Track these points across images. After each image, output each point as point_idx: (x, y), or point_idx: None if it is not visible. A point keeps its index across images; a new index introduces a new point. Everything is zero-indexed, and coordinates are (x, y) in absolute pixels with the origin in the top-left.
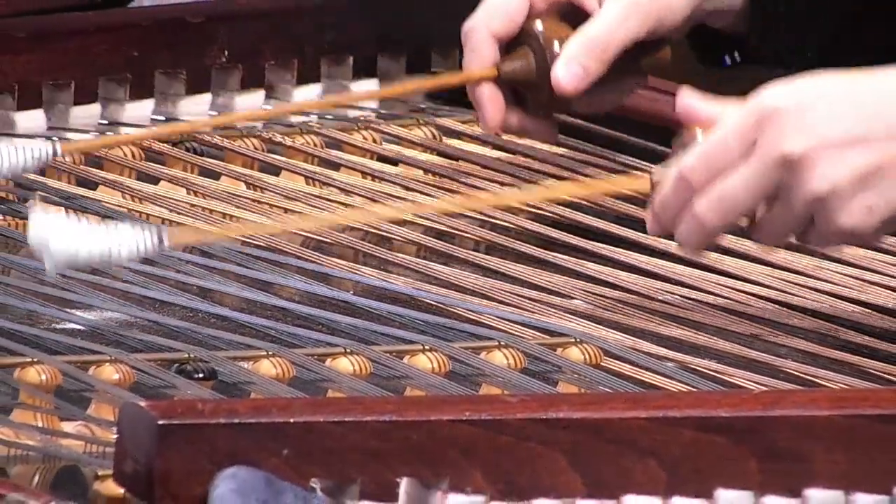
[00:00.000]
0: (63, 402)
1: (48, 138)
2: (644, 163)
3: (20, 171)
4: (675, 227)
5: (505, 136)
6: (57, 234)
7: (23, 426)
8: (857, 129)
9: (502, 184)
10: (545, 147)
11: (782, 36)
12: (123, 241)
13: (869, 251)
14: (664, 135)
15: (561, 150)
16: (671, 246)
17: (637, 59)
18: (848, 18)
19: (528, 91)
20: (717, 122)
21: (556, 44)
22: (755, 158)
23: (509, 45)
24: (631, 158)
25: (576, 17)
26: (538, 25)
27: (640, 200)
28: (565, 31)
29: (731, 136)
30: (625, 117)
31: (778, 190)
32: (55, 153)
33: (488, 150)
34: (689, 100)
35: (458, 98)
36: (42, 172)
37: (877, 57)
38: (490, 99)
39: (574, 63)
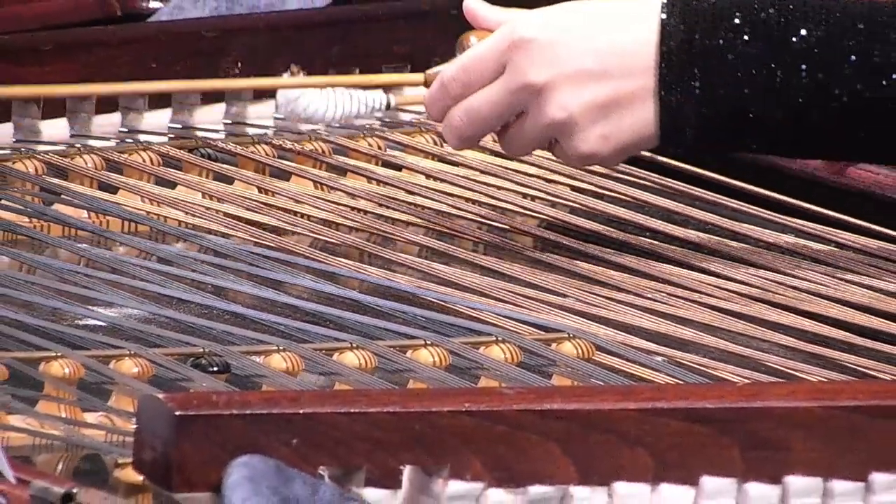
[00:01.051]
0: (85, 394)
1: (70, 145)
2: (635, 168)
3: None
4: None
5: (491, 144)
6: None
7: (47, 417)
8: (596, 66)
9: (499, 187)
10: (540, 153)
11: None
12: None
13: (846, 252)
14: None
15: (551, 155)
16: (659, 247)
17: None
18: None
19: None
20: (490, 26)
21: None
22: (502, 81)
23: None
24: (624, 166)
25: None
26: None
27: (632, 204)
28: None
29: (485, 56)
30: None
31: (522, 111)
32: (388, 106)
33: (486, 156)
34: (475, 4)
35: None
36: (65, 177)
37: None
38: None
39: None
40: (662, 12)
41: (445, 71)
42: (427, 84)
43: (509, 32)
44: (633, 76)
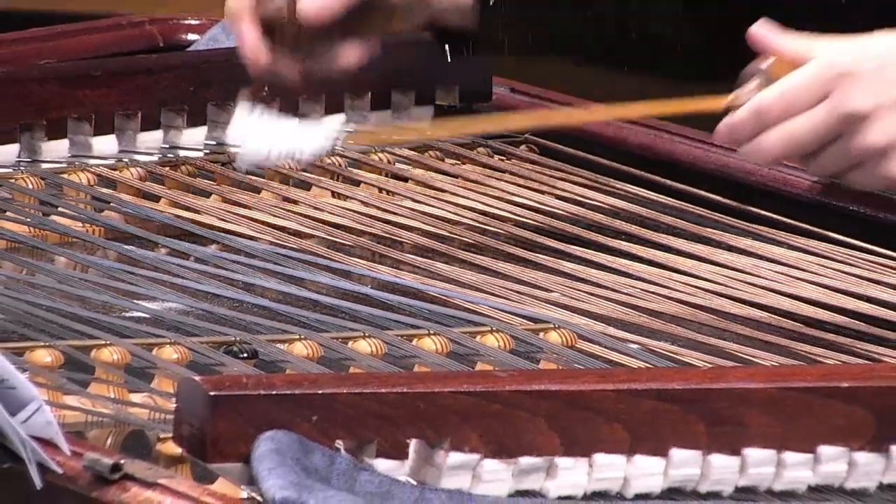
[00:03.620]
0: (131, 377)
1: (118, 159)
2: (612, 180)
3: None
4: (740, 145)
5: (486, 160)
6: (251, 133)
7: (98, 397)
8: None
9: (493, 197)
10: (527, 166)
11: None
12: (308, 139)
13: (796, 253)
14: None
15: (544, 170)
16: (634, 248)
17: (372, 24)
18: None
19: (280, 28)
20: (787, 55)
21: None
22: (825, 109)
23: None
24: (602, 178)
25: None
26: None
27: (609, 211)
28: None
29: (808, 84)
30: (595, 142)
31: (839, 136)
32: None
33: (482, 169)
34: (767, 30)
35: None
36: (114, 187)
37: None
38: (248, 33)
39: None
40: None
41: (763, 98)
42: (730, 109)
43: (829, 63)
44: None
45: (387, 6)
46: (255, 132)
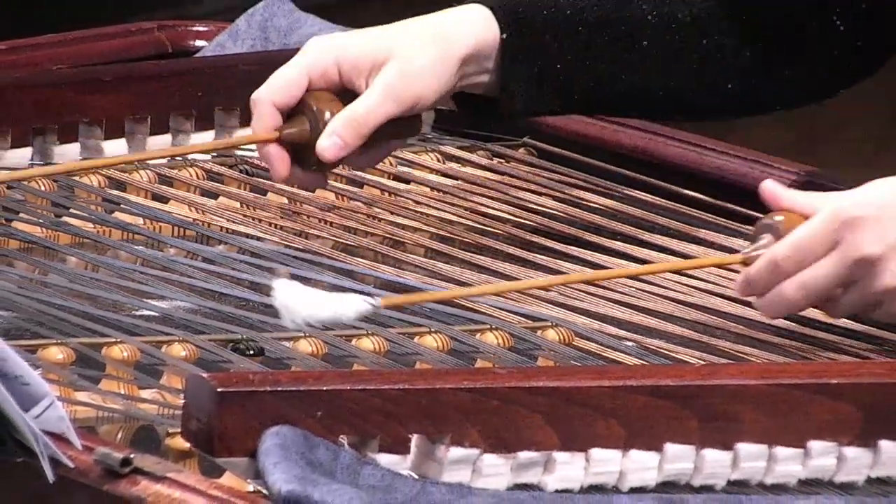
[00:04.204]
0: (140, 374)
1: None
2: (608, 182)
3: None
4: (760, 296)
5: (486, 162)
6: (296, 302)
7: (108, 393)
8: None
9: (492, 198)
10: (525, 168)
11: (532, 96)
12: (347, 308)
13: None
14: (621, 161)
15: (543, 173)
16: (629, 248)
17: (397, 128)
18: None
19: (304, 152)
20: (795, 209)
21: (326, 115)
22: (838, 256)
23: (290, 114)
24: (599, 180)
25: (347, 95)
26: (312, 99)
27: (606, 212)
28: (336, 106)
29: (817, 235)
30: (591, 145)
31: (853, 280)
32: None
33: (481, 172)
34: (774, 187)
35: (459, 129)
36: (124, 189)
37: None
38: (276, 156)
39: (334, 136)
40: None
41: (776, 251)
42: (747, 263)
43: (835, 213)
44: None
45: (403, 120)
46: (299, 303)
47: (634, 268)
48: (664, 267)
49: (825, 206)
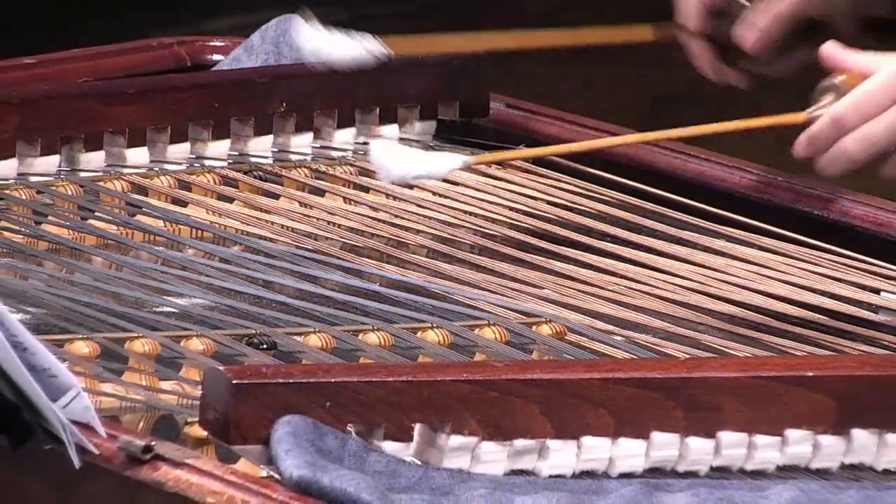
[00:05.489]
0: (161, 367)
1: (150, 169)
2: (599, 187)
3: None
4: (820, 155)
5: (485, 168)
6: (392, 160)
7: (131, 384)
8: None
9: (490, 202)
10: (521, 174)
11: None
12: (440, 165)
13: (766, 253)
14: (610, 167)
15: (538, 178)
16: (618, 249)
17: (810, 38)
18: None
19: (729, 48)
20: (857, 69)
21: (745, 4)
22: None
23: (717, 12)
24: (590, 185)
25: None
26: None
27: (596, 215)
28: (759, 4)
29: (878, 90)
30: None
31: None
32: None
33: (480, 177)
34: (835, 49)
35: (458, 138)
36: (146, 194)
37: None
38: (701, 53)
39: (751, 24)
40: None
41: (838, 107)
42: (808, 123)
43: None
44: None
45: (826, 19)
46: (397, 158)
47: (698, 128)
48: (729, 126)
49: (886, 65)
